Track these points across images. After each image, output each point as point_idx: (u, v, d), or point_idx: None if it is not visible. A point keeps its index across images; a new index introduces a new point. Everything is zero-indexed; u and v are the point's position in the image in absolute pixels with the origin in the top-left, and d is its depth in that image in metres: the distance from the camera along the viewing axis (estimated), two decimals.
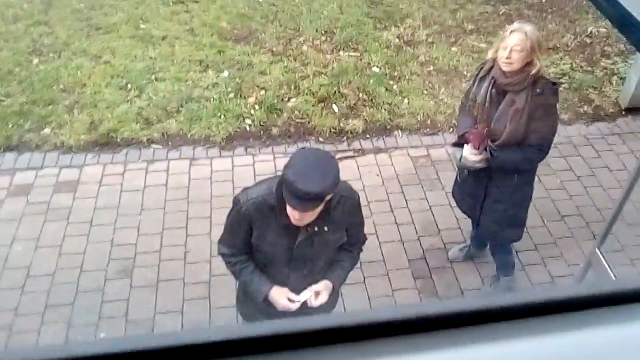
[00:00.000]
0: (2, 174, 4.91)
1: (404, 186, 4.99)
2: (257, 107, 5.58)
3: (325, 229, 2.57)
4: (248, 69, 5.98)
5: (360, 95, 5.77)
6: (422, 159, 5.27)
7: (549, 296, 0.64)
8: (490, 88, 3.44)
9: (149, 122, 5.38)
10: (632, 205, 4.42)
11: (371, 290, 4.20)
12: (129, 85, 5.72)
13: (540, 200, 4.76)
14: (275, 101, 5.62)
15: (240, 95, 5.68)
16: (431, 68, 6.17)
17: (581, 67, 6.42)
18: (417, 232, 4.64)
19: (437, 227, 4.68)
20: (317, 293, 2.69)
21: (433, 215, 4.76)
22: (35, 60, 6.00)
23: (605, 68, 6.46)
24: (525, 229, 3.96)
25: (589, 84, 6.20)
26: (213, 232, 4.32)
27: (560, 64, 6.40)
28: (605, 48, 6.73)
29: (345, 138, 5.39)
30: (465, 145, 3.57)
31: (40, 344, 3.74)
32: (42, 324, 3.87)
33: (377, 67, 6.11)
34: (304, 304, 2.67)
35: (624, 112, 5.95)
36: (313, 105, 5.63)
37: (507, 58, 3.26)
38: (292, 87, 5.81)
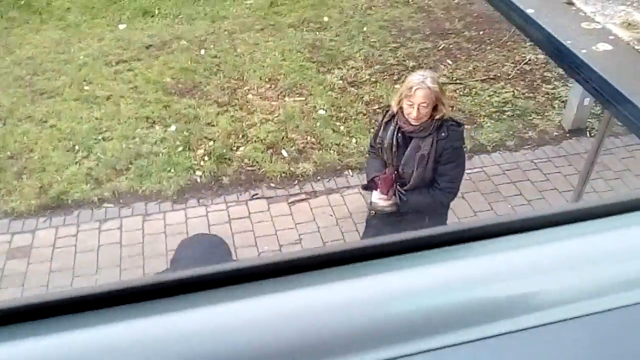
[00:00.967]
0: None
1: (358, 224, 5.20)
2: (206, 158, 5.84)
3: None
4: (195, 122, 6.24)
5: (309, 138, 6.08)
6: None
7: (540, 212, 0.67)
8: (396, 133, 3.61)
9: (99, 181, 5.60)
10: None
11: None
12: (77, 147, 5.93)
13: None
14: (224, 151, 5.89)
15: (189, 148, 5.94)
16: (376, 106, 6.50)
17: (523, 94, 6.83)
18: None
19: None
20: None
21: None
22: None
23: (547, 93, 6.88)
24: None
25: (532, 109, 6.60)
26: None
27: (502, 92, 6.80)
28: (545, 74, 7.16)
29: (296, 182, 5.66)
30: (374, 191, 3.76)
31: None
32: None
33: (323, 109, 6.42)
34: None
35: (567, 135, 6.34)
36: (262, 152, 5.91)
37: (416, 116, 3.43)
38: (240, 136, 6.09)
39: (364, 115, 6.40)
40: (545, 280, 0.64)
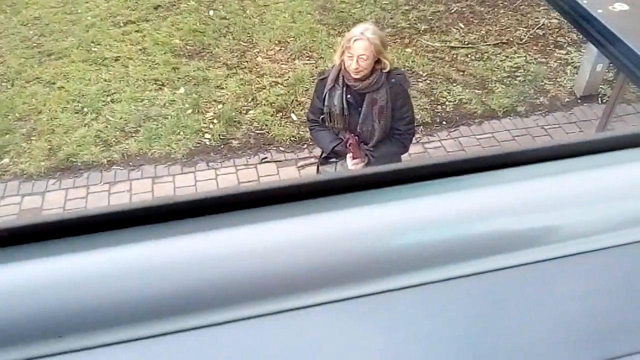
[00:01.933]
0: None
1: None
2: (215, 121, 5.86)
3: None
4: (204, 84, 6.24)
5: None
6: None
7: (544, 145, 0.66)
8: (344, 95, 3.58)
9: (108, 144, 5.63)
10: None
11: None
12: (85, 109, 5.95)
13: None
14: (234, 114, 5.90)
15: (198, 111, 5.95)
16: (387, 70, 6.47)
17: (535, 59, 6.79)
18: None
19: None
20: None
21: None
22: None
23: (559, 59, 6.84)
24: None
25: (543, 75, 6.57)
26: None
27: (514, 57, 6.77)
28: (558, 39, 7.11)
29: (305, 146, 5.67)
30: (347, 159, 3.76)
31: None
32: None
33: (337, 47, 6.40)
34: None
35: (579, 101, 6.31)
36: (271, 116, 5.91)
37: (355, 68, 3.40)
38: (250, 99, 6.09)
39: None
40: (562, 212, 0.64)
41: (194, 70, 6.42)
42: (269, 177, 5.37)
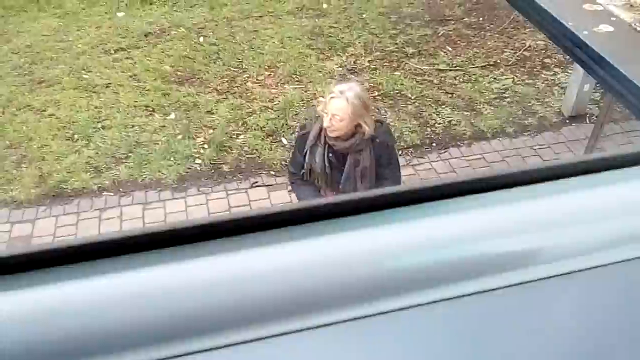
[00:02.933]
0: None
1: None
2: (206, 146, 5.85)
3: None
4: (194, 110, 6.25)
5: None
6: None
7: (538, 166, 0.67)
8: (326, 154, 3.41)
9: (98, 170, 5.61)
10: None
11: None
12: (76, 136, 5.94)
13: None
14: (224, 139, 5.90)
15: (189, 136, 5.94)
16: (376, 93, 6.51)
17: (523, 80, 6.83)
18: None
19: None
20: None
21: None
22: None
23: (547, 80, 6.89)
24: None
25: (531, 96, 6.61)
26: None
27: (502, 79, 6.81)
28: (545, 60, 7.17)
29: None
30: None
31: None
32: None
33: (323, 97, 6.41)
34: None
35: (567, 121, 6.35)
36: (262, 140, 5.92)
37: (328, 126, 3.23)
38: (240, 124, 6.09)
39: None
40: (553, 232, 0.64)
41: (184, 96, 6.43)
42: (259, 202, 5.36)
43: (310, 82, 6.66)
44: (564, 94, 6.54)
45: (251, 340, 0.58)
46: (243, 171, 5.66)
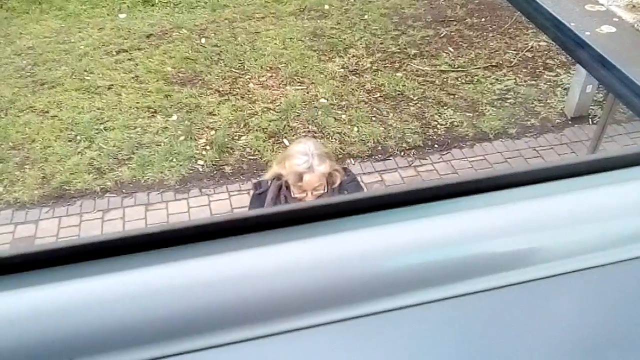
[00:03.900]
0: None
1: None
2: (208, 147, 5.86)
3: None
4: (196, 111, 6.26)
5: (310, 127, 6.09)
6: (376, 185, 5.58)
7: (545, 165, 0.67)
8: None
9: (101, 171, 5.62)
10: None
11: None
12: (78, 137, 5.95)
13: None
14: (226, 140, 5.91)
15: (191, 138, 5.95)
16: (378, 95, 6.52)
17: (525, 81, 6.84)
18: None
19: None
20: None
21: None
22: None
23: (549, 80, 6.89)
24: None
25: (534, 97, 6.61)
26: None
27: (504, 80, 6.81)
28: (547, 61, 7.17)
29: None
30: None
31: None
32: None
33: (325, 98, 6.44)
34: None
35: (570, 122, 6.35)
36: (264, 141, 5.93)
37: (312, 199, 3.02)
38: (242, 125, 6.10)
39: (366, 103, 6.41)
40: (554, 232, 0.64)
41: (186, 98, 6.44)
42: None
43: (312, 83, 6.66)
44: (567, 95, 6.54)
45: (251, 339, 0.58)
46: (245, 172, 5.66)
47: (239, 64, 6.96)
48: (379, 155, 5.86)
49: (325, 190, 3.10)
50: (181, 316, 0.57)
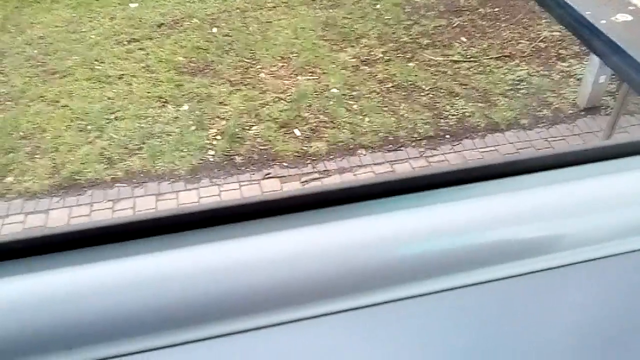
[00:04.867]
0: None
1: None
2: (219, 137, 5.87)
3: None
4: (207, 101, 6.26)
5: (321, 117, 6.09)
6: (387, 175, 5.58)
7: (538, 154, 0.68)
8: None
9: (111, 161, 5.64)
10: None
11: None
12: (89, 127, 5.97)
13: None
14: (237, 130, 5.91)
15: (202, 128, 5.96)
16: (390, 85, 6.51)
17: (538, 71, 6.80)
18: None
19: None
20: None
21: None
22: None
23: (562, 71, 6.85)
24: None
25: (546, 87, 6.58)
26: None
27: (517, 70, 6.78)
28: (560, 51, 7.13)
29: (309, 161, 5.68)
30: None
31: None
32: None
33: (336, 88, 6.43)
34: None
35: (582, 113, 6.32)
36: (275, 131, 5.93)
37: None
38: (253, 115, 6.11)
39: (377, 93, 6.39)
40: (569, 219, 0.64)
41: (197, 87, 6.44)
42: (272, 193, 5.37)
43: (323, 73, 6.65)
44: (580, 85, 6.51)
45: (262, 327, 0.58)
46: (256, 162, 5.67)
47: (250, 54, 6.96)
48: (390, 146, 5.85)
49: None
50: (190, 304, 0.57)
